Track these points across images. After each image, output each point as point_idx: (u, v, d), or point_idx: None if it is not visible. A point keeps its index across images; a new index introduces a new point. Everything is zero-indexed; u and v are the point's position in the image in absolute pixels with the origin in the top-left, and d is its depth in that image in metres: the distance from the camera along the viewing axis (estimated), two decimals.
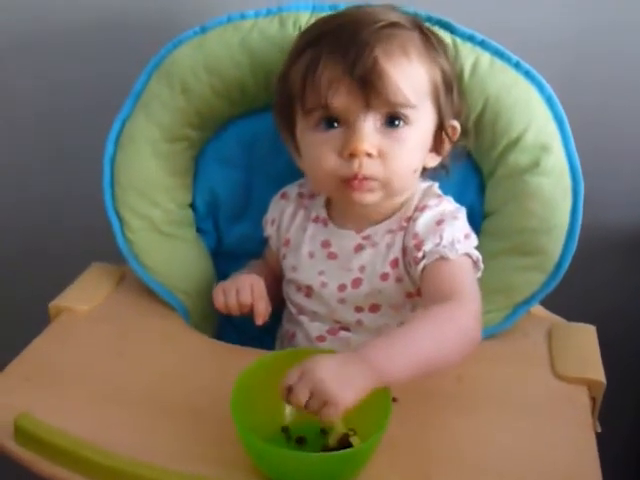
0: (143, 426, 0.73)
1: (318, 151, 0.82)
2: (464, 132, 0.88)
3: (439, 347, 0.72)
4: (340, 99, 0.79)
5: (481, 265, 0.83)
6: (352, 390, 0.65)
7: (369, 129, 0.79)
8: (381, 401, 0.67)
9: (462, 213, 0.86)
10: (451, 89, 0.85)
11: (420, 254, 0.81)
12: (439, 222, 0.83)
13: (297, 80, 0.82)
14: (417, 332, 0.72)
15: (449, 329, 0.73)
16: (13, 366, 0.81)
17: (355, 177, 0.80)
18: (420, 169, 0.86)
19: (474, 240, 0.84)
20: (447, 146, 0.88)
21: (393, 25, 0.81)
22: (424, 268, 0.81)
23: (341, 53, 0.78)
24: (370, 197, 0.82)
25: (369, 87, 0.78)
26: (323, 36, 0.82)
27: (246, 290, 0.87)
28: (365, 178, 0.80)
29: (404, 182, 0.84)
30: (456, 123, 0.87)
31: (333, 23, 0.83)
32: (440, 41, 0.87)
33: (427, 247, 0.81)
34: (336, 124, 0.81)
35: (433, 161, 0.88)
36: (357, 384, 0.65)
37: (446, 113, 0.85)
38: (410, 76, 0.80)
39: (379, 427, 0.65)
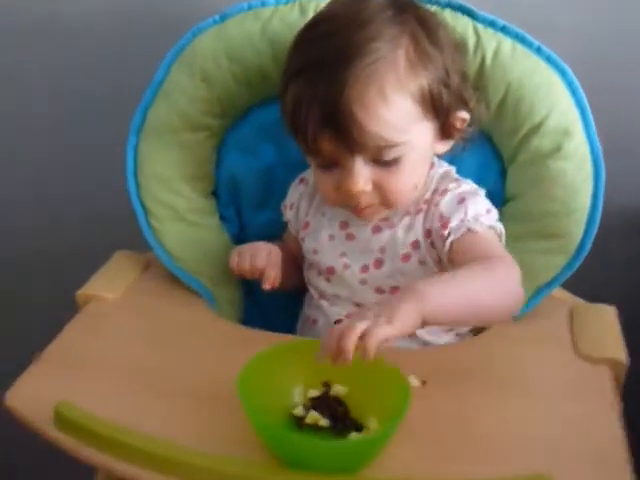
0: (176, 413, 0.74)
1: (321, 185, 0.87)
2: (477, 119, 0.88)
3: (488, 292, 0.75)
4: (326, 147, 0.81)
5: (504, 240, 0.86)
6: (397, 312, 0.66)
7: (359, 167, 0.81)
8: (400, 386, 0.68)
9: (482, 191, 0.89)
10: (454, 80, 0.83)
11: (446, 231, 0.83)
12: (461, 200, 0.85)
13: (288, 118, 0.84)
14: (469, 274, 0.76)
15: (498, 281, 0.76)
16: (46, 354, 0.81)
17: (356, 208, 0.85)
18: (422, 181, 0.87)
19: (495, 214, 0.87)
20: (457, 134, 0.88)
21: (375, 53, 0.78)
22: (452, 244, 0.83)
23: (319, 101, 0.79)
24: (376, 216, 0.88)
25: (348, 137, 0.79)
26: (304, 71, 0.81)
27: (262, 255, 0.91)
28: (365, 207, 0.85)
29: (406, 198, 0.86)
30: (464, 114, 0.86)
31: (314, 54, 0.81)
32: (435, 34, 0.83)
33: (453, 223, 0.83)
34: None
35: (444, 147, 0.89)
36: (400, 307, 0.67)
37: (451, 108, 0.84)
38: (389, 118, 0.79)
39: (397, 413, 0.64)
